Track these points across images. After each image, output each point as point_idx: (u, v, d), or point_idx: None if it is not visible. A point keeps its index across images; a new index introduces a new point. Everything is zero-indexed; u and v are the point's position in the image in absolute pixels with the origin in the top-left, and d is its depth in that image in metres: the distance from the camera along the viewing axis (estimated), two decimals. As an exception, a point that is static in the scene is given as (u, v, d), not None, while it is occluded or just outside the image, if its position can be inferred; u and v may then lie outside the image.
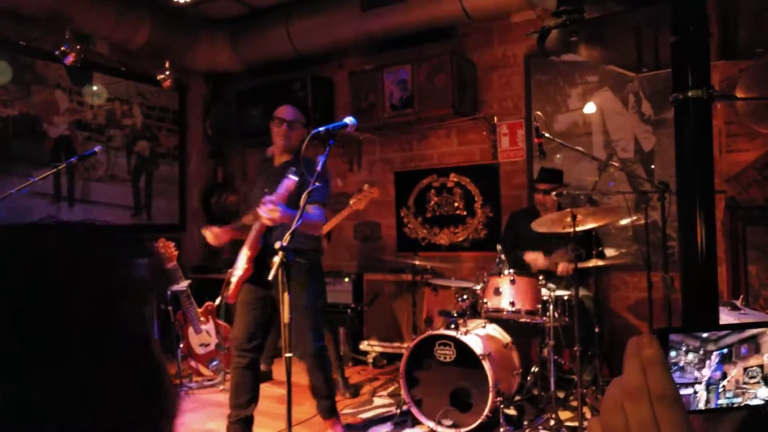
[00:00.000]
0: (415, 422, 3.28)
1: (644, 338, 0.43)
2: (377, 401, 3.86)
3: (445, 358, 3.19)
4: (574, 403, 3.21)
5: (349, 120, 2.53)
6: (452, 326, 3.23)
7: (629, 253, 4.04)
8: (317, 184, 2.34)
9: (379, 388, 4.19)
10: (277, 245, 2.19)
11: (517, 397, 3.41)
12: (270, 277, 2.21)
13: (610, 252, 3.96)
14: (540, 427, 3.11)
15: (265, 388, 3.76)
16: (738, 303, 2.50)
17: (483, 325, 3.38)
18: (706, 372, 0.48)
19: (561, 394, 3.45)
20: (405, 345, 4.19)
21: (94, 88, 5.17)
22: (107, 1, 4.65)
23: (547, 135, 3.15)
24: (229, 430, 2.93)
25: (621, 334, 4.19)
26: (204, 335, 4.32)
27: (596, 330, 3.43)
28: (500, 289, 3.30)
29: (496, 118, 4.78)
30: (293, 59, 5.30)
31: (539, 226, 3.35)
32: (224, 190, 6.22)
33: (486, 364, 3.01)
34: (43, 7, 4.34)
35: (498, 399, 3.00)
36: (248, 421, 2.94)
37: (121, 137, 5.41)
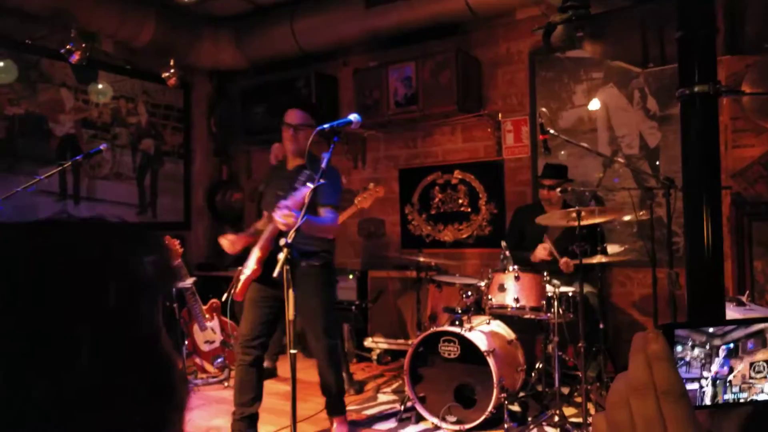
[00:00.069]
0: (420, 418, 3.28)
1: (650, 333, 0.43)
2: (381, 398, 3.87)
3: (449, 354, 3.20)
4: (579, 400, 3.21)
5: (353, 117, 2.53)
6: (456, 323, 3.23)
7: (634, 249, 4.03)
8: (321, 180, 2.35)
9: (384, 384, 4.19)
10: (282, 242, 2.20)
11: (522, 394, 3.41)
12: (275, 274, 2.22)
13: (614, 248, 3.95)
14: (544, 424, 3.12)
15: (269, 384, 3.78)
16: (744, 299, 2.50)
17: (487, 321, 3.38)
18: (714, 368, 0.48)
19: (565, 391, 3.45)
20: (409, 342, 4.19)
21: (100, 86, 5.19)
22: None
23: (551, 131, 3.14)
24: (234, 427, 2.95)
25: (625, 331, 4.18)
26: (209, 332, 4.34)
27: (601, 326, 3.43)
28: (505, 286, 3.30)
29: (500, 115, 4.77)
30: (298, 57, 5.30)
31: (544, 220, 3.35)
32: (229, 187, 6.23)
33: (490, 361, 3.01)
34: (48, 5, 4.35)
35: (502, 395, 3.01)
36: (253, 419, 2.95)
37: (127, 135, 5.43)
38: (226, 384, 4.17)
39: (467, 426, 3.09)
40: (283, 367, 4.42)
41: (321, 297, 2.96)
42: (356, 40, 5.01)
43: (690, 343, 0.48)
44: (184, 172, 5.96)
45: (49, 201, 4.72)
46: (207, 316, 4.35)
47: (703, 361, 0.48)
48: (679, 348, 0.48)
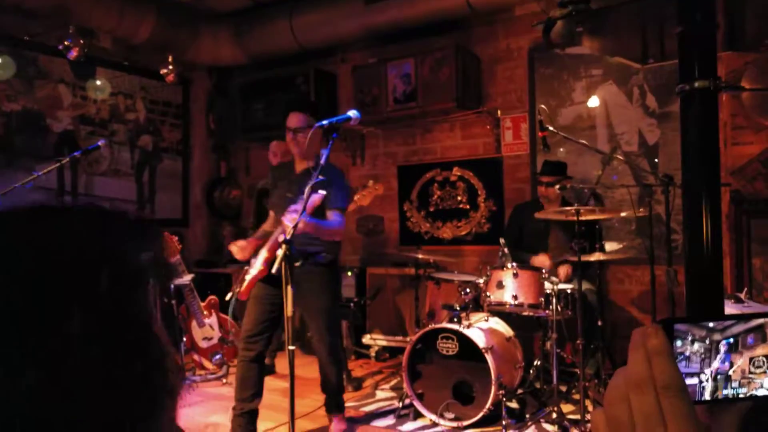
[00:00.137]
0: (418, 415, 3.29)
1: (649, 328, 0.42)
2: (380, 394, 3.87)
3: (447, 351, 3.20)
4: (577, 397, 3.22)
5: (352, 113, 2.52)
6: (455, 320, 3.23)
7: (633, 246, 4.04)
8: (320, 177, 2.35)
9: (382, 381, 4.20)
10: (281, 238, 2.20)
11: (520, 391, 3.41)
12: (273, 270, 2.22)
13: (613, 245, 3.95)
14: (542, 420, 3.12)
15: (268, 381, 3.77)
16: (742, 296, 2.50)
17: (486, 318, 3.38)
18: (715, 364, 0.48)
19: (563, 388, 3.45)
20: (408, 338, 4.20)
21: (98, 82, 5.17)
22: (110, -5, 4.64)
23: (551, 128, 3.14)
24: (234, 422, 2.96)
25: (624, 328, 4.19)
26: (207, 329, 4.34)
27: (599, 323, 3.43)
28: (503, 283, 3.29)
29: (499, 112, 4.76)
30: (296, 53, 5.28)
31: (543, 215, 3.36)
32: (227, 184, 6.22)
33: (488, 358, 3.01)
34: (47, 1, 4.34)
35: (500, 392, 3.01)
36: (253, 415, 2.97)
37: (125, 132, 5.41)
38: (224, 381, 4.17)
39: (465, 423, 3.10)
40: (282, 364, 4.43)
41: (325, 295, 2.99)
42: (355, 36, 5.00)
43: (690, 338, 0.48)
44: (182, 168, 5.95)
45: (46, 197, 4.71)
46: (205, 312, 4.34)
47: (703, 356, 0.48)
48: (678, 343, 0.48)
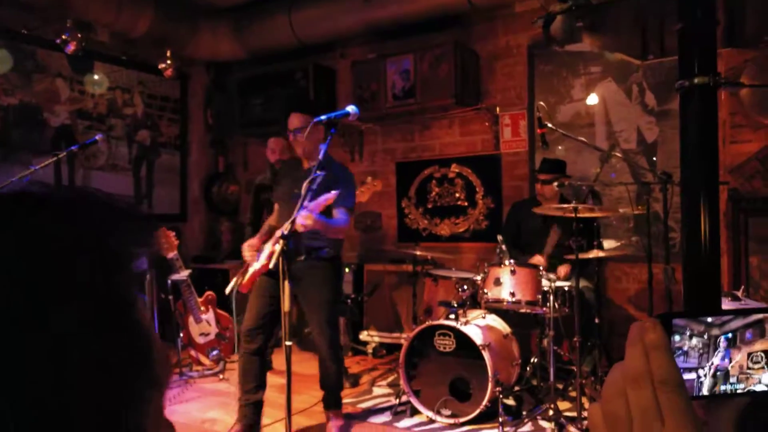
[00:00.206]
0: (414, 412, 3.29)
1: (647, 323, 0.42)
2: (376, 391, 3.88)
3: (444, 348, 3.20)
4: (573, 394, 3.22)
5: (351, 108, 2.52)
6: (452, 316, 3.23)
7: (630, 244, 4.04)
8: (319, 172, 2.35)
9: (379, 378, 4.20)
10: (278, 233, 2.20)
11: (517, 388, 3.41)
12: (271, 266, 2.21)
13: (611, 243, 3.95)
14: (539, 417, 3.12)
15: (265, 377, 3.78)
16: (739, 294, 2.50)
17: (483, 315, 3.38)
18: (716, 360, 0.48)
19: (560, 385, 3.46)
20: (405, 335, 4.20)
21: (96, 77, 5.15)
22: (108, -11, 4.62)
23: (549, 125, 3.14)
24: (240, 412, 3.01)
25: (621, 326, 4.19)
26: (204, 325, 4.33)
27: (596, 321, 3.43)
28: (500, 280, 3.29)
29: (498, 109, 4.75)
30: (295, 48, 5.27)
31: (541, 211, 3.36)
32: (225, 179, 6.21)
33: (485, 355, 3.01)
34: (44, -6, 4.32)
35: (497, 389, 3.01)
36: (258, 406, 3.02)
37: (122, 126, 5.39)
38: (221, 376, 4.17)
39: (462, 419, 3.10)
40: (279, 360, 4.42)
41: (327, 289, 3.01)
42: (354, 31, 4.98)
43: (688, 333, 0.47)
44: (180, 163, 5.94)
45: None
46: (202, 308, 4.34)
47: (702, 351, 0.48)
48: (677, 338, 0.47)
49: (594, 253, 3.32)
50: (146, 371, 0.40)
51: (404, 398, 3.34)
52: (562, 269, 3.64)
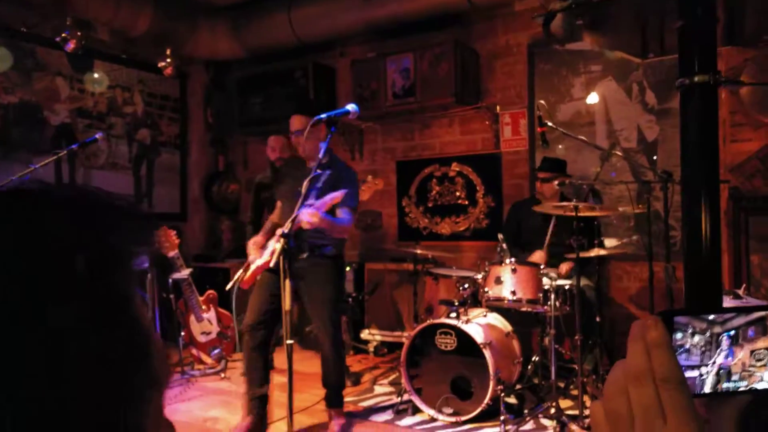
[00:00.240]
0: (416, 410, 3.29)
1: (649, 320, 0.42)
2: (378, 389, 3.88)
3: (446, 346, 3.20)
4: (575, 392, 3.22)
5: (351, 107, 2.52)
6: (453, 315, 3.23)
7: (631, 243, 4.04)
8: (318, 171, 2.35)
9: (380, 376, 4.20)
10: (279, 232, 2.20)
11: (518, 386, 3.42)
12: (272, 264, 2.22)
13: (612, 242, 3.95)
14: (540, 416, 3.13)
15: (266, 375, 3.78)
16: (740, 292, 2.50)
17: (484, 314, 3.38)
18: (719, 359, 0.48)
19: (561, 383, 3.46)
20: (406, 334, 4.20)
21: (95, 75, 5.15)
22: (107, -13, 4.62)
23: (549, 124, 3.13)
24: (247, 405, 3.03)
25: (622, 324, 4.20)
26: (205, 323, 4.33)
27: (597, 319, 3.43)
28: (501, 278, 3.29)
29: (498, 108, 4.75)
30: (295, 47, 5.26)
31: (541, 209, 3.36)
32: (225, 178, 6.21)
33: (487, 353, 3.01)
34: (44, -7, 4.31)
35: (498, 387, 3.01)
36: (263, 399, 3.05)
37: (122, 125, 5.39)
38: (222, 375, 4.17)
39: (463, 418, 3.10)
40: (280, 359, 4.43)
41: (331, 287, 3.03)
42: (354, 30, 4.98)
43: (690, 330, 0.47)
44: (180, 162, 5.93)
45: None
46: (203, 307, 4.34)
47: (704, 348, 0.48)
48: (679, 335, 0.47)
49: (595, 252, 3.32)
50: (145, 368, 0.40)
51: (406, 397, 3.34)
52: (564, 266, 3.64)
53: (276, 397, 3.53)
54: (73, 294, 0.37)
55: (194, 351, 4.30)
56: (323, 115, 2.50)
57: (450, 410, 3.15)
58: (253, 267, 2.97)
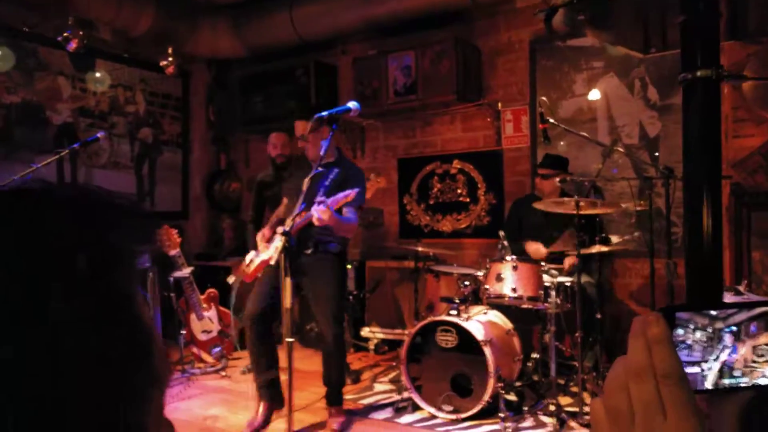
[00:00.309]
0: (416, 408, 3.29)
1: (650, 316, 0.42)
2: (378, 387, 3.88)
3: (446, 344, 3.20)
4: (575, 389, 3.22)
5: (352, 104, 2.53)
6: (454, 312, 3.23)
7: (632, 239, 4.02)
8: (319, 169, 2.35)
9: (380, 374, 4.20)
10: (280, 230, 2.20)
11: (518, 383, 3.41)
12: (272, 262, 2.22)
13: (613, 238, 3.94)
14: (540, 413, 3.12)
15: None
16: (741, 288, 2.49)
17: (485, 311, 3.38)
18: (723, 356, 0.47)
19: (562, 381, 3.45)
20: (406, 331, 4.20)
21: (97, 74, 5.15)
22: (108, -14, 4.61)
23: (551, 120, 3.13)
24: (259, 394, 3.05)
25: (623, 321, 4.19)
26: (206, 322, 4.34)
27: (598, 316, 3.43)
28: (502, 276, 3.29)
29: (500, 104, 4.74)
30: (296, 45, 5.26)
31: (543, 205, 3.35)
32: (227, 177, 6.21)
33: (487, 350, 3.01)
34: (45, -9, 4.31)
35: (499, 385, 3.01)
36: (275, 382, 3.06)
37: (124, 124, 5.39)
38: (223, 373, 4.18)
39: (463, 415, 3.10)
40: (280, 357, 4.43)
41: (335, 283, 3.04)
42: (355, 28, 4.97)
43: (692, 326, 0.47)
44: (182, 161, 5.94)
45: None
46: (204, 305, 4.34)
47: (705, 344, 0.47)
48: (680, 331, 0.47)
49: (596, 248, 3.32)
50: (146, 366, 0.40)
51: (406, 394, 3.34)
52: (568, 261, 3.62)
53: (277, 395, 3.54)
54: (75, 293, 0.37)
55: (195, 349, 4.30)
56: (324, 113, 2.50)
57: (450, 407, 3.15)
58: (257, 261, 2.99)
